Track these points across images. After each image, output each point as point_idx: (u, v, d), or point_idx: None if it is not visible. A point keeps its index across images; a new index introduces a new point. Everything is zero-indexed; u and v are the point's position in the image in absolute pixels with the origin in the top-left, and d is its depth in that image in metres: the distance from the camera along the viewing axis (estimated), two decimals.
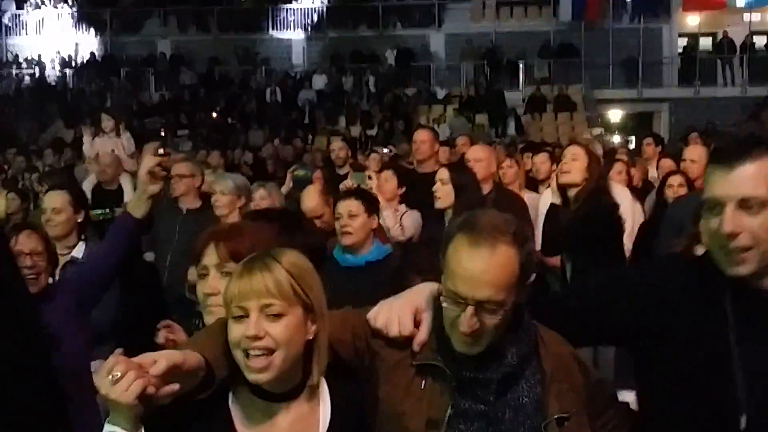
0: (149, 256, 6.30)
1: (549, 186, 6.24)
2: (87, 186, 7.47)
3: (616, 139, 20.16)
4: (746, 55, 25.94)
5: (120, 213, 3.49)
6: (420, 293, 2.17)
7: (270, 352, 1.88)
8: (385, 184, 5.79)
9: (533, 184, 7.39)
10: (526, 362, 2.09)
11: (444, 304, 2.03)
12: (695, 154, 6.53)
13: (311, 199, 5.39)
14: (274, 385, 1.95)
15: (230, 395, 1.99)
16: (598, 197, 4.90)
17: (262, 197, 5.68)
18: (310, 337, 1.96)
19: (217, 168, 10.14)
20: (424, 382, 2.05)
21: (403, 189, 5.61)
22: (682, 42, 27.54)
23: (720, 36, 26.50)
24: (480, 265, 1.96)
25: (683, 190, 6.08)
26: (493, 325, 1.99)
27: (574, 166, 4.95)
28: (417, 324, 2.10)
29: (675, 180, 6.26)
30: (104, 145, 8.43)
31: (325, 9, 28.12)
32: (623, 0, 26.91)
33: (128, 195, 7.14)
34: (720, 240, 2.03)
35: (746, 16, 26.27)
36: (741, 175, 2.01)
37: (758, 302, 2.06)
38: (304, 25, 28.11)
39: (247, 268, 1.93)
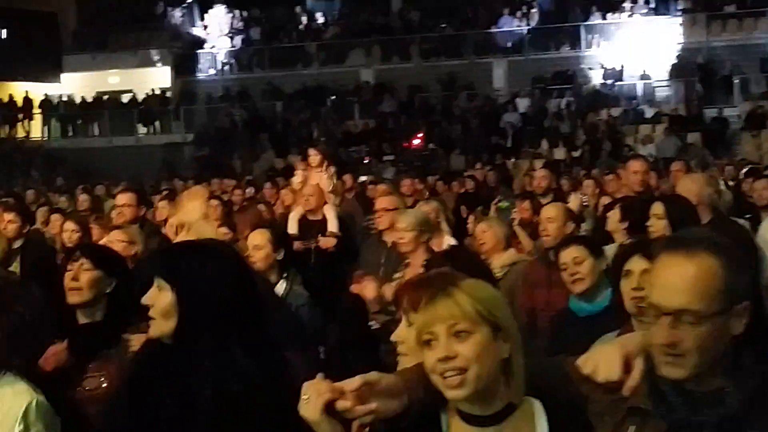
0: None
1: None
2: (293, 216, 7.68)
3: None
4: None
5: None
6: (631, 340, 2.10)
7: (462, 370, 1.92)
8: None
9: (751, 209, 6.95)
10: (753, 410, 1.90)
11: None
12: None
13: None
14: (478, 405, 1.98)
15: (443, 425, 2.03)
16: None
17: (483, 230, 5.62)
18: (505, 356, 1.99)
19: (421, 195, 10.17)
20: (633, 426, 1.99)
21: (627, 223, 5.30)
22: None
23: None
24: (676, 272, 1.89)
25: None
26: (694, 340, 1.87)
27: None
28: (628, 370, 2.02)
29: None
30: (311, 178, 8.63)
31: (526, 31, 27.89)
32: None
33: (332, 224, 7.26)
34: None
35: None
36: None
37: None
38: (505, 48, 27.98)
39: (427, 298, 2.00)
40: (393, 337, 2.43)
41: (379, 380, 1.91)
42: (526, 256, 5.59)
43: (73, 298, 3.38)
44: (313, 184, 7.76)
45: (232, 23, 31.51)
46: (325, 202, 7.59)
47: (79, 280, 3.38)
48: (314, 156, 8.80)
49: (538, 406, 2.04)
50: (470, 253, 4.31)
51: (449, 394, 1.95)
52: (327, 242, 7.01)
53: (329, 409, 1.85)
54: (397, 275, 5.35)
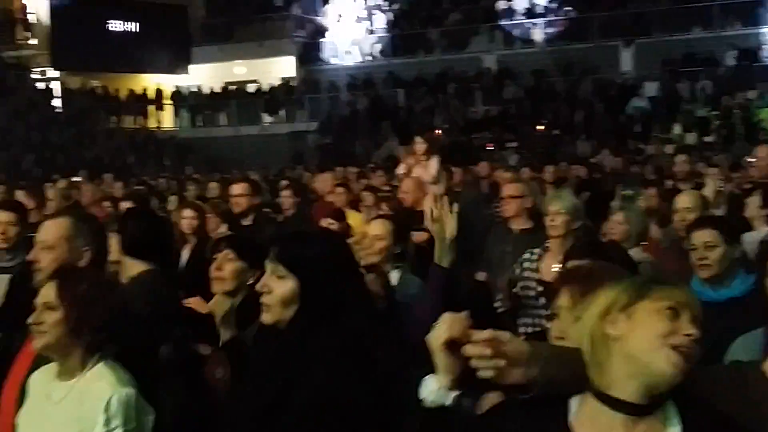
0: (481, 276, 6.26)
1: None
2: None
3: None
4: None
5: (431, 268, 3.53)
6: None
7: (692, 355, 1.86)
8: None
9: None
10: None
11: None
12: None
13: None
14: (645, 392, 1.87)
15: (571, 409, 1.93)
16: None
17: (619, 222, 5.41)
18: None
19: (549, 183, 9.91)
20: None
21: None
22: None
23: None
24: None
25: None
26: None
27: None
28: None
29: None
30: (415, 168, 8.43)
31: (655, 12, 26.92)
32: None
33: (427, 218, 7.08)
34: None
35: None
36: None
37: None
38: (633, 30, 27.08)
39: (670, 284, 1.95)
40: (555, 332, 2.34)
41: (509, 341, 1.85)
42: (650, 257, 5.29)
43: (216, 287, 3.47)
44: (408, 181, 7.54)
45: (355, 12, 31.74)
46: (425, 195, 7.36)
47: (223, 270, 3.48)
48: (419, 144, 8.59)
49: (671, 406, 1.92)
50: (617, 246, 4.08)
51: (672, 370, 1.83)
52: (419, 237, 6.87)
53: (454, 348, 1.84)
54: (530, 256, 5.16)
